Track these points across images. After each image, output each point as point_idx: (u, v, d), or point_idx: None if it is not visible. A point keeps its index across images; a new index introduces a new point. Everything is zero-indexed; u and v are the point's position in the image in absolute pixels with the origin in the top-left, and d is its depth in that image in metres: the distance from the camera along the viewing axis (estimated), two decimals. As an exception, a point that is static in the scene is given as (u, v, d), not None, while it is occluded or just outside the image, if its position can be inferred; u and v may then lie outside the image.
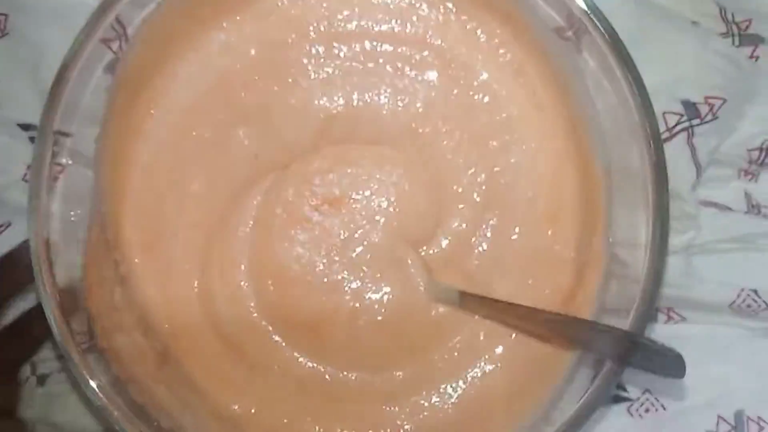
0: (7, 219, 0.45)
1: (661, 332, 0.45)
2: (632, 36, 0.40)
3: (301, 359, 0.42)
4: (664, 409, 0.45)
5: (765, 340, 0.44)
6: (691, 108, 0.43)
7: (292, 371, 0.42)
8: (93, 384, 0.37)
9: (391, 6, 0.42)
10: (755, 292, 0.44)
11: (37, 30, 0.44)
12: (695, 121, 0.43)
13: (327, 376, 0.42)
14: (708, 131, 0.43)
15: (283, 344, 0.42)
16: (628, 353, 0.36)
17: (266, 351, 0.42)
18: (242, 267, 0.42)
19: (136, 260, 0.42)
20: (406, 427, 0.42)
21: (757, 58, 0.43)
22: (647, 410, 0.45)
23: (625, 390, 0.45)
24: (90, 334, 0.39)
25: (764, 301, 0.44)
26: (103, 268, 0.41)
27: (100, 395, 0.37)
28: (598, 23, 0.38)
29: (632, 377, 0.44)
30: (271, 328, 0.42)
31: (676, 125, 0.43)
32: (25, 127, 0.45)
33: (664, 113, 0.43)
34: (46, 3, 0.44)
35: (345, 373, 0.42)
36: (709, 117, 0.43)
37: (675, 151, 0.43)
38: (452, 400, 0.42)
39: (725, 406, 0.44)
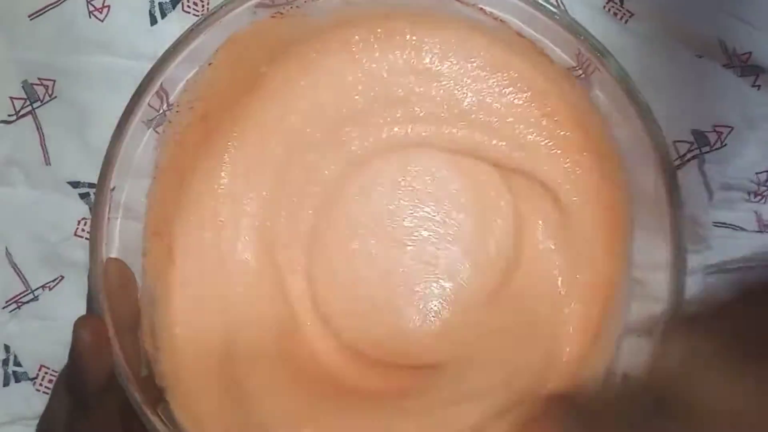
0: (60, 273, 0.47)
1: (684, 349, 0.47)
2: (640, 71, 0.43)
3: None
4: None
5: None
6: (700, 137, 0.46)
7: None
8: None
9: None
10: (771, 307, 0.46)
11: (82, 93, 0.47)
12: (705, 149, 0.46)
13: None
14: (717, 158, 0.46)
15: None
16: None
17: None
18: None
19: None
20: None
21: (759, 86, 0.46)
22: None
23: (651, 406, 0.47)
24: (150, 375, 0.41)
25: (780, 316, 0.46)
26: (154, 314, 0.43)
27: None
28: (606, 61, 0.41)
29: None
30: None
31: (686, 153, 0.46)
32: (75, 184, 0.47)
33: (675, 142, 0.46)
34: (90, 68, 0.47)
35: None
36: (718, 144, 0.46)
37: (687, 178, 0.45)
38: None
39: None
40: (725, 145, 0.46)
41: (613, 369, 0.42)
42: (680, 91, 0.46)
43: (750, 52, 0.46)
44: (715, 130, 0.46)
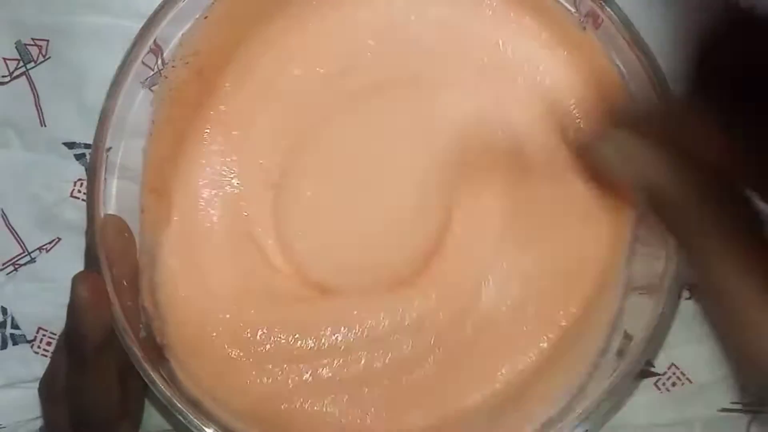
0: (56, 235, 0.47)
1: (687, 308, 0.46)
2: (642, 25, 0.42)
3: None
4: (691, 382, 0.46)
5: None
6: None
7: None
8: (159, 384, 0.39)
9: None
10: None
11: (77, 53, 0.46)
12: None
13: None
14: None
15: None
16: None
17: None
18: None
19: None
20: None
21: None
22: (674, 384, 0.46)
23: (651, 365, 0.46)
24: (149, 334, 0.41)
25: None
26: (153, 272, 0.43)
27: (165, 391, 0.39)
28: (608, 6, 0.40)
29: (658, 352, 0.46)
30: None
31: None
32: (70, 145, 0.47)
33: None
34: (84, 27, 0.46)
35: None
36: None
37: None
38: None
39: (751, 378, 0.46)
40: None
41: (617, 325, 0.42)
42: (680, 47, 0.45)
43: (753, 4, 0.45)
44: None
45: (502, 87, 0.43)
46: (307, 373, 0.42)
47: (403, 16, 0.43)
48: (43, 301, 0.46)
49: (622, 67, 0.41)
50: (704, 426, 0.46)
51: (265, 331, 0.43)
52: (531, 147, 0.43)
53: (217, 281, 0.43)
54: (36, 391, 0.43)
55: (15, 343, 0.46)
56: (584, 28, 0.41)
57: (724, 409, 0.46)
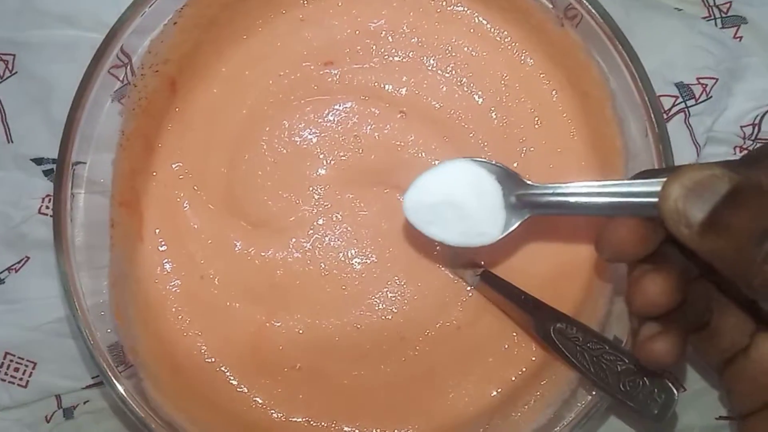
0: (25, 254, 0.45)
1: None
2: (620, 25, 0.42)
3: None
4: (684, 389, 0.45)
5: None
6: (684, 89, 0.44)
7: None
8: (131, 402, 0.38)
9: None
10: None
11: (44, 66, 0.45)
12: (690, 102, 0.44)
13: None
14: (703, 111, 0.44)
15: None
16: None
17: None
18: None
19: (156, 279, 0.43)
20: None
21: (740, 38, 0.45)
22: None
23: (643, 371, 0.45)
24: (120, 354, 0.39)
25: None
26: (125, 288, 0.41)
27: (137, 410, 0.37)
28: (592, 8, 0.39)
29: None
30: None
31: (672, 107, 0.44)
32: (38, 161, 0.45)
33: (659, 96, 0.44)
34: (51, 40, 0.45)
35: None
36: (703, 97, 0.44)
37: (674, 133, 0.43)
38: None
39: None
40: (710, 97, 0.44)
41: (606, 330, 0.41)
42: (661, 45, 0.45)
43: (730, 2, 0.45)
44: (699, 83, 0.44)
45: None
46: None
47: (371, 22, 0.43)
48: (11, 323, 0.44)
49: (602, 63, 0.40)
50: (702, 434, 0.44)
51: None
52: None
53: (194, 293, 0.42)
54: (8, 422, 0.42)
55: (-21, 371, 0.44)
56: (562, 25, 0.41)
57: (721, 417, 0.45)
